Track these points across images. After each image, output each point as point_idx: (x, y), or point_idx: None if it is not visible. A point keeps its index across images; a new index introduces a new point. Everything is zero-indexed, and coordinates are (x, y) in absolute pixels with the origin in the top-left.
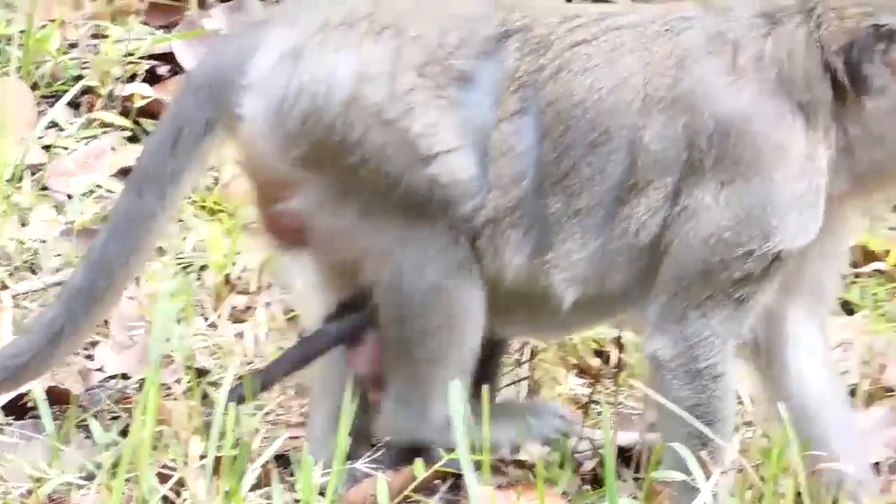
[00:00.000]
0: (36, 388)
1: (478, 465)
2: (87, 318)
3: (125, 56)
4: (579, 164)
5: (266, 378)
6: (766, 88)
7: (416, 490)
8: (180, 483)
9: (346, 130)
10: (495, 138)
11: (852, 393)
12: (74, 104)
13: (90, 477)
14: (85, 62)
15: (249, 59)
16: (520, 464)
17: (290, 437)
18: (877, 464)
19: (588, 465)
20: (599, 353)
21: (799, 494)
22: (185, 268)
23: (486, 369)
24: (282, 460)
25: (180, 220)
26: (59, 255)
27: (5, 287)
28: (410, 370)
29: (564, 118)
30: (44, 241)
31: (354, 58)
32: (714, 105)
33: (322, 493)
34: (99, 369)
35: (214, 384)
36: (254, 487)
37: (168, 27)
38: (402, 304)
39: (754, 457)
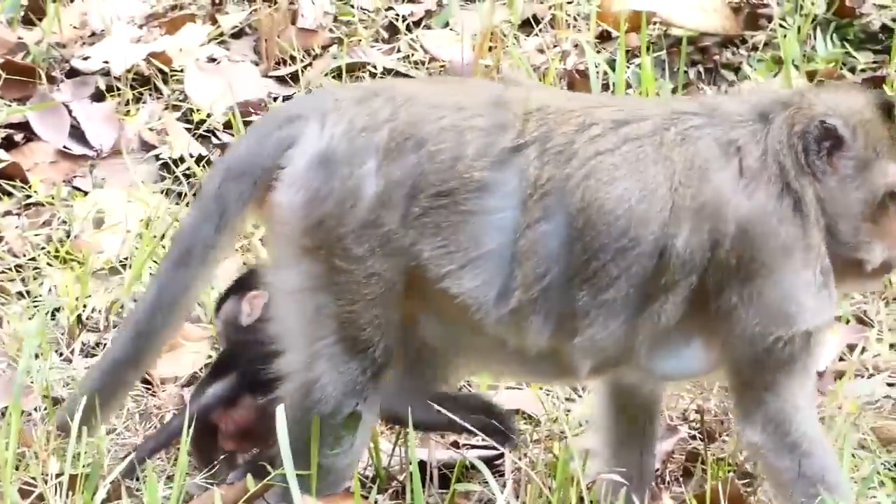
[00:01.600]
0: None
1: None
2: (127, 384)
3: None
4: (609, 265)
5: (140, 455)
6: (769, 188)
7: (248, 501)
8: (40, 498)
9: (355, 245)
10: (521, 244)
11: None
12: None
13: None
14: None
15: (286, 153)
16: None
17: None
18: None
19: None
20: None
21: (581, 500)
22: (42, 310)
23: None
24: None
25: (36, 269)
26: None
27: None
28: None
29: (595, 224)
30: None
31: (378, 180)
32: (732, 210)
33: None
34: None
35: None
36: (104, 501)
37: (22, 100)
38: (298, 409)
39: (544, 468)
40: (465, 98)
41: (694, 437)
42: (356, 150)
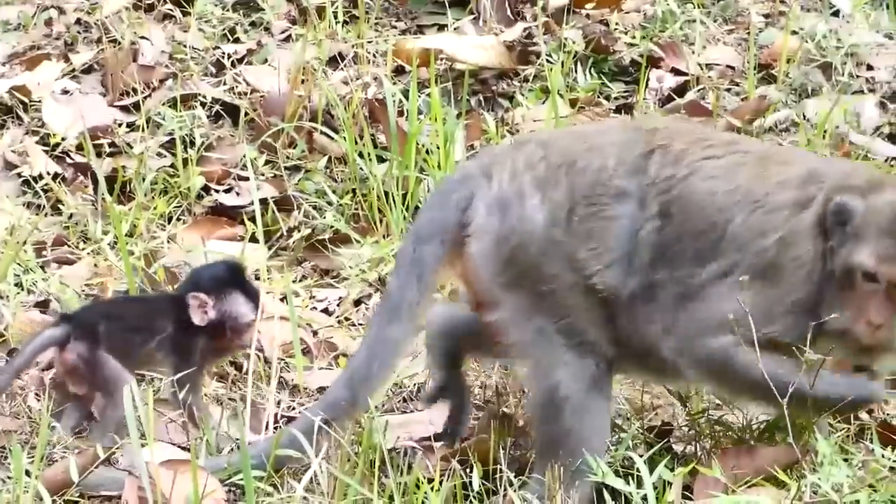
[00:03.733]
0: None
1: None
2: (366, 396)
3: None
4: (687, 248)
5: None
6: (807, 228)
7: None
8: None
9: (544, 265)
10: (641, 236)
11: (419, 388)
12: None
13: None
14: None
15: (468, 210)
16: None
17: (4, 431)
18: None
19: None
20: (233, 363)
21: (384, 462)
22: None
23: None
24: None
25: None
26: None
27: None
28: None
29: (683, 212)
30: None
31: (544, 205)
32: (780, 227)
33: (28, 474)
34: None
35: None
36: None
37: None
38: (549, 408)
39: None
40: (601, 127)
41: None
42: (522, 188)
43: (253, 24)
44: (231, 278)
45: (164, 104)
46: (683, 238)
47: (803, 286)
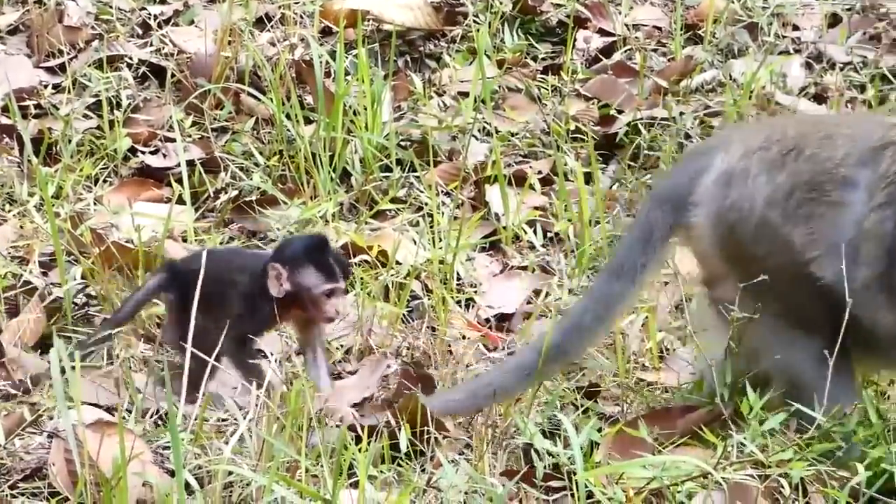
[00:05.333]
0: None
1: None
2: (576, 346)
3: None
4: None
5: (106, 325)
6: None
7: None
8: None
9: (755, 245)
10: (865, 226)
11: (348, 351)
12: None
13: None
14: None
15: (699, 180)
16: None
17: None
18: (371, 398)
19: None
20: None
21: (310, 421)
22: None
23: None
24: None
25: None
26: None
27: None
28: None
29: None
30: None
31: (766, 186)
32: None
33: None
34: None
35: None
36: None
37: None
38: (785, 380)
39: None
40: (845, 118)
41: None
42: (751, 166)
43: None
44: (308, 250)
45: (90, 65)
46: None
47: None
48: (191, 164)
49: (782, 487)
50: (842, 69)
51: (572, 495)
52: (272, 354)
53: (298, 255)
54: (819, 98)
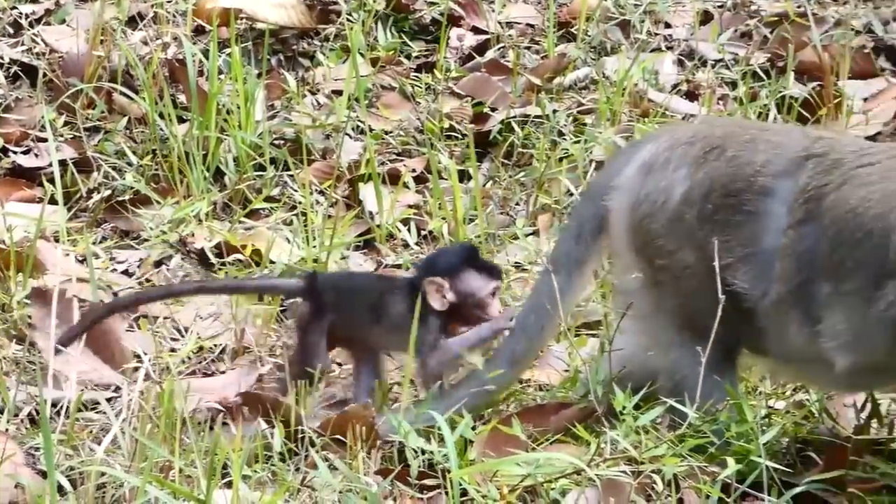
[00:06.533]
0: None
1: None
2: (513, 371)
3: None
4: (846, 258)
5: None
6: None
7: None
8: None
9: (666, 238)
10: (783, 242)
11: (222, 351)
12: None
13: None
14: None
15: (623, 169)
16: None
17: None
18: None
19: None
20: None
21: (185, 422)
22: None
23: None
24: None
25: None
26: None
27: None
28: None
29: (839, 222)
30: None
31: (685, 181)
32: None
33: None
34: None
35: None
36: None
37: None
38: (671, 386)
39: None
40: (775, 126)
41: (281, 368)
42: (673, 158)
43: None
44: (463, 258)
45: None
46: (839, 249)
47: None
48: (63, 163)
49: (655, 483)
50: (713, 66)
51: (447, 493)
52: (146, 354)
53: (456, 264)
54: (691, 95)
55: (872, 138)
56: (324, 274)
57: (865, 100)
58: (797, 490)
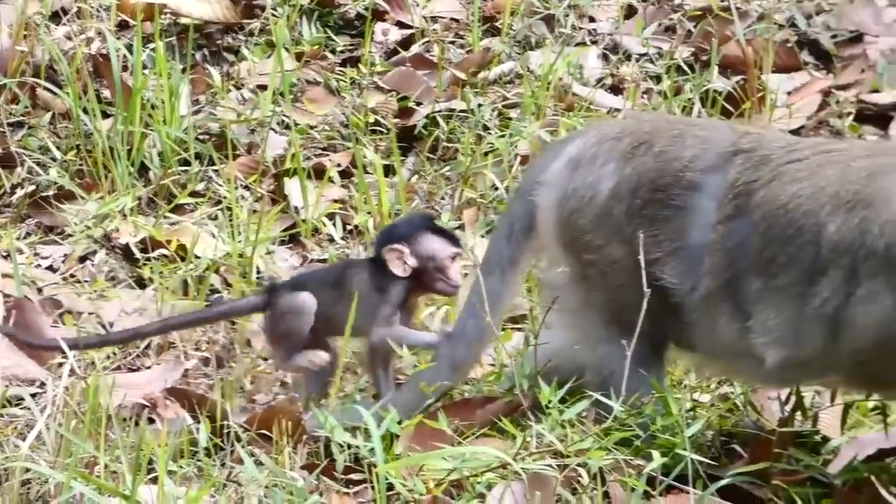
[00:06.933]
0: None
1: None
2: (455, 378)
3: None
4: (778, 254)
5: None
6: None
7: None
8: None
9: (593, 233)
10: (712, 237)
11: (147, 346)
12: None
13: None
14: None
15: (551, 164)
16: None
17: None
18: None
19: None
20: None
21: (109, 418)
22: None
23: None
24: None
25: None
26: None
27: None
28: None
29: (769, 217)
30: None
31: (613, 176)
32: (889, 207)
33: None
34: None
35: None
36: None
37: None
38: (597, 381)
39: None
40: (702, 122)
41: (206, 363)
42: (601, 153)
43: None
44: (419, 223)
45: None
46: (770, 245)
47: None
48: None
49: (581, 477)
50: (637, 60)
51: (373, 488)
52: (70, 349)
53: (415, 229)
54: (615, 89)
55: (796, 132)
56: (282, 281)
57: (789, 93)
58: (722, 483)
